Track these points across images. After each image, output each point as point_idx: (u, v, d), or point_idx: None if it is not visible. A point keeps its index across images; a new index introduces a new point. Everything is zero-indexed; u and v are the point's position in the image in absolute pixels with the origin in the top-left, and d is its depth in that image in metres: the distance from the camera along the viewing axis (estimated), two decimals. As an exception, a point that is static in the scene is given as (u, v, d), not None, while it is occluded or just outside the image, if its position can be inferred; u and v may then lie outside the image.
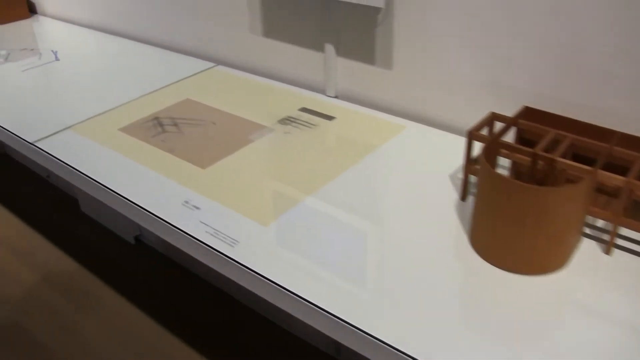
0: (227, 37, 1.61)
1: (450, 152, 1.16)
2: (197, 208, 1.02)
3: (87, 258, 1.92)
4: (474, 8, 1.10)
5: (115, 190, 1.08)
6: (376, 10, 1.24)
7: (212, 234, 0.94)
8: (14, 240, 2.02)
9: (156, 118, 1.35)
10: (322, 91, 1.43)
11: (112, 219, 2.06)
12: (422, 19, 1.18)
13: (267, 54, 1.53)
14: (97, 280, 1.82)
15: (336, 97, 1.40)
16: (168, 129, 1.29)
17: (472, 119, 1.21)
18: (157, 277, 1.81)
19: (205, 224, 0.97)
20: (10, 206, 2.23)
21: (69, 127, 1.34)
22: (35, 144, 1.28)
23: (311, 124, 1.27)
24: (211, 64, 1.64)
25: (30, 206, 2.23)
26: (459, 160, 1.13)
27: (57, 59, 1.76)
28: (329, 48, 1.34)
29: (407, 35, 1.22)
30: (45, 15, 2.25)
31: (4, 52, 1.85)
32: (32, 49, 1.86)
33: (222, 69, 1.62)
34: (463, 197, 1.03)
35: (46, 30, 2.08)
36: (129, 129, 1.30)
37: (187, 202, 1.04)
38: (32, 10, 2.29)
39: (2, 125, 1.37)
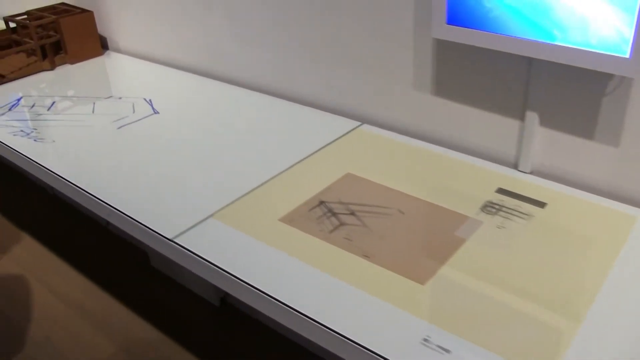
0: (379, 91, 1.35)
1: None
2: (447, 351, 0.78)
3: (166, 322, 1.68)
4: None
5: (315, 319, 0.84)
6: (605, 76, 1.01)
7: (497, 404, 0.71)
8: (77, 298, 1.76)
9: (322, 203, 1.10)
10: (511, 165, 1.19)
11: (191, 276, 1.80)
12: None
13: (436, 115, 1.27)
14: (178, 347, 1.58)
15: (531, 172, 1.16)
16: (344, 220, 1.05)
17: None
18: (245, 343, 1.57)
19: (476, 384, 0.73)
20: (72, 260, 1.97)
21: (211, 215, 1.09)
22: (175, 240, 1.03)
23: (522, 213, 1.04)
24: (355, 123, 1.37)
25: (93, 260, 1.97)
26: None
27: (155, 111, 1.50)
28: (531, 116, 1.10)
29: (647, 106, 0.99)
30: (119, 51, 1.98)
31: (48, 102, 1.55)
32: (119, 97, 1.59)
33: (371, 129, 1.35)
34: None
35: (125, 70, 1.81)
36: (293, 219, 1.06)
37: (427, 339, 0.80)
38: (104, 46, 2.02)
39: (131, 215, 1.10)
